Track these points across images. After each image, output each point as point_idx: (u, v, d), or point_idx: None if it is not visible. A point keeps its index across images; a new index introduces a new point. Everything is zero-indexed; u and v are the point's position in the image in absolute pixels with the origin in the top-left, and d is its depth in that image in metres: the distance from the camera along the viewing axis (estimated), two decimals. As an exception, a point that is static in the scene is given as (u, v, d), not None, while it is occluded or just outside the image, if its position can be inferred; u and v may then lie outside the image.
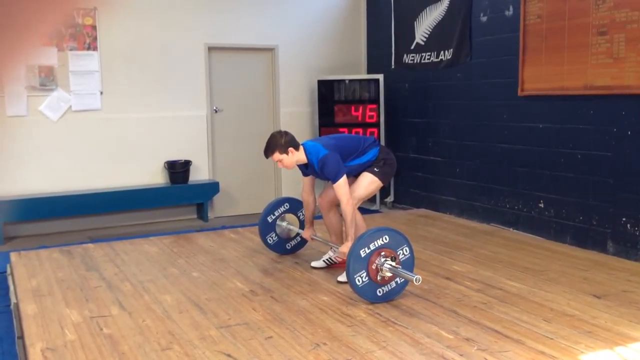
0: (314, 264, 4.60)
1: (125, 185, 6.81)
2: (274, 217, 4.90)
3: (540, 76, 5.44)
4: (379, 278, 3.73)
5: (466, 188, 6.45)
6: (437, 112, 6.82)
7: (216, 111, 7.33)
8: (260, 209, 7.66)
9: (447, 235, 5.65)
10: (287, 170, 7.50)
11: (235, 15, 7.26)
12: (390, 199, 7.54)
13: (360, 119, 7.37)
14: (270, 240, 4.91)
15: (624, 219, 4.80)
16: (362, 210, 7.30)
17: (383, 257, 3.72)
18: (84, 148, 6.64)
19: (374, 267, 3.72)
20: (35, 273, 4.57)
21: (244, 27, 7.31)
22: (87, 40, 6.54)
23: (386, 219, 6.51)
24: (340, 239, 4.51)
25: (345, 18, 7.85)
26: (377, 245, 3.74)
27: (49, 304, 3.87)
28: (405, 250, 3.83)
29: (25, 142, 6.34)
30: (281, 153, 4.15)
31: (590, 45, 4.93)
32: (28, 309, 3.77)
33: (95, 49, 6.58)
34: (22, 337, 3.42)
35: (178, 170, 6.96)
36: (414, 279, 3.61)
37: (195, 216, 7.28)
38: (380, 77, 7.30)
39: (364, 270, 3.71)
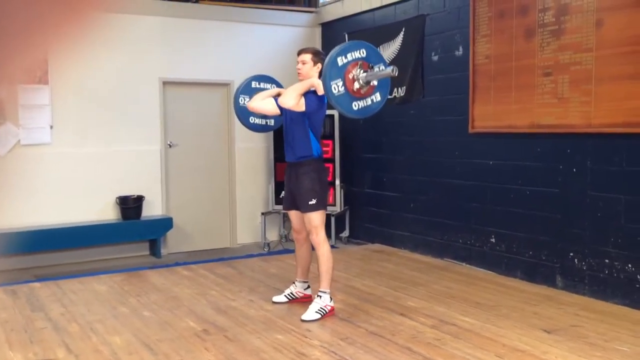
0: (275, 298, 4.57)
1: (75, 221, 6.63)
2: (249, 93, 4.78)
3: (489, 114, 5.60)
4: (354, 88, 3.75)
5: (420, 223, 6.53)
6: (392, 148, 6.92)
7: (170, 146, 7.26)
8: (214, 245, 7.67)
9: (402, 270, 5.68)
10: (242, 207, 7.51)
11: (191, 50, 7.27)
12: (345, 234, 7.56)
13: (315, 154, 7.39)
14: (249, 120, 4.85)
15: (571, 254, 4.93)
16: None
17: (360, 68, 3.76)
18: (33, 183, 6.46)
19: (350, 76, 3.74)
20: (-24, 314, 4.38)
21: (200, 62, 7.31)
22: (37, 73, 6.42)
23: (341, 254, 6.51)
24: (306, 274, 4.53)
25: (300, 55, 7.94)
26: (354, 57, 3.77)
27: (-10, 347, 3.71)
28: (381, 67, 3.88)
29: (-30, 177, 6.13)
30: (312, 59, 4.24)
31: (536, 85, 5.12)
32: (-32, 353, 3.60)
33: (46, 82, 6.47)
34: (-40, 384, 3.26)
35: (130, 205, 6.83)
36: (391, 69, 3.71)
37: (147, 252, 7.14)
38: (335, 112, 7.38)
39: (340, 79, 3.71)
